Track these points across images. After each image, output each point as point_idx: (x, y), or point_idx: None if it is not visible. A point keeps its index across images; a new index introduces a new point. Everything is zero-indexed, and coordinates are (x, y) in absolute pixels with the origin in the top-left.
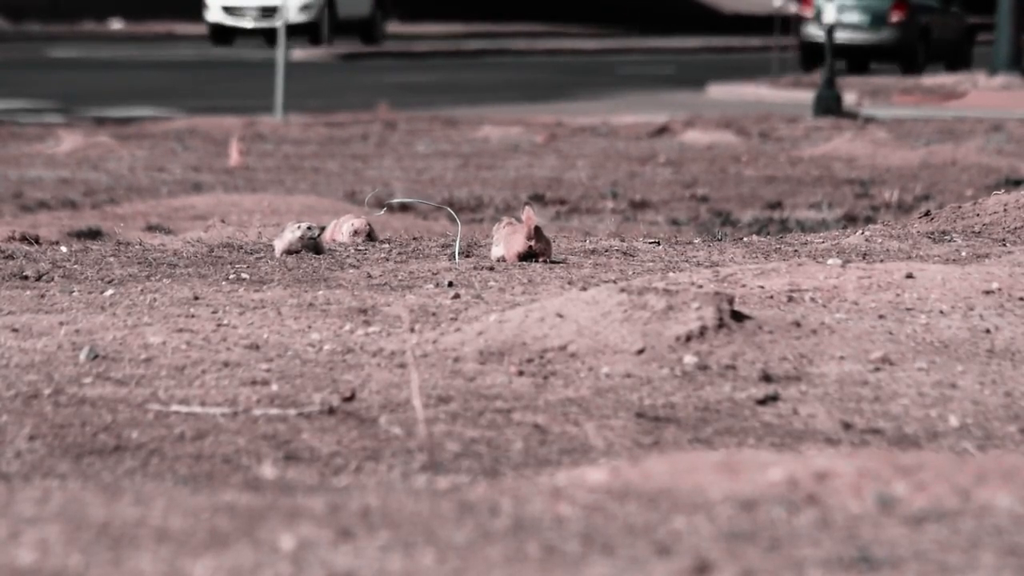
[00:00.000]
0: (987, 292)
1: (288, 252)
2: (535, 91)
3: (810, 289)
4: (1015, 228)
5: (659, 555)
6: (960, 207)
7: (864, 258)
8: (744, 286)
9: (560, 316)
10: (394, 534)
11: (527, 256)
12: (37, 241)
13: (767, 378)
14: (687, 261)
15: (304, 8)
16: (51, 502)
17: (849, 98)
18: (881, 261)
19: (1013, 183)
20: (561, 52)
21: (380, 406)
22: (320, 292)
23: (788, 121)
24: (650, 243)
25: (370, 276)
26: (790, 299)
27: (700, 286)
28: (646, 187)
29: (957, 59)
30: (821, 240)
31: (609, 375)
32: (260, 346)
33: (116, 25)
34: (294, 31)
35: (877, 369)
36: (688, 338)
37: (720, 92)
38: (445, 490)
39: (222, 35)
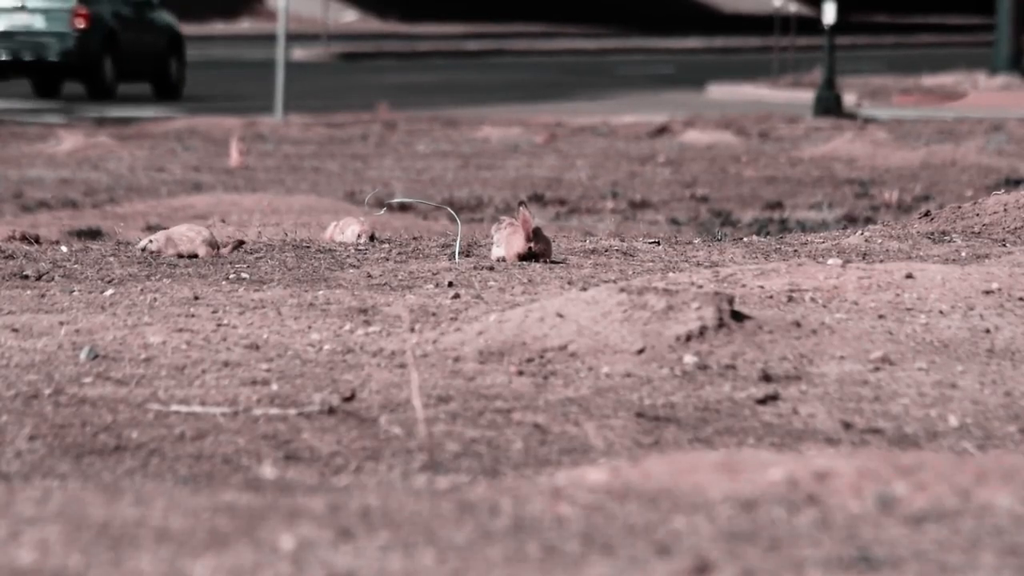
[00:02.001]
0: (987, 292)
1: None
2: (535, 91)
3: (810, 289)
4: (1015, 228)
5: (659, 555)
6: (960, 207)
7: (864, 258)
8: (744, 286)
9: (560, 316)
10: (394, 534)
11: (527, 256)
12: (37, 241)
13: (767, 378)
14: (687, 261)
15: None
16: (51, 502)
17: (849, 98)
18: (881, 261)
19: (1013, 183)
20: (561, 52)
21: (380, 406)
22: (320, 292)
23: (788, 121)
24: (650, 243)
25: (370, 276)
26: (790, 299)
27: (700, 286)
28: (646, 187)
29: (160, 79)
30: (821, 240)
31: (609, 375)
32: (260, 346)
33: None
34: None
35: (877, 369)
36: (688, 338)
37: (720, 92)
38: (445, 490)
39: None
